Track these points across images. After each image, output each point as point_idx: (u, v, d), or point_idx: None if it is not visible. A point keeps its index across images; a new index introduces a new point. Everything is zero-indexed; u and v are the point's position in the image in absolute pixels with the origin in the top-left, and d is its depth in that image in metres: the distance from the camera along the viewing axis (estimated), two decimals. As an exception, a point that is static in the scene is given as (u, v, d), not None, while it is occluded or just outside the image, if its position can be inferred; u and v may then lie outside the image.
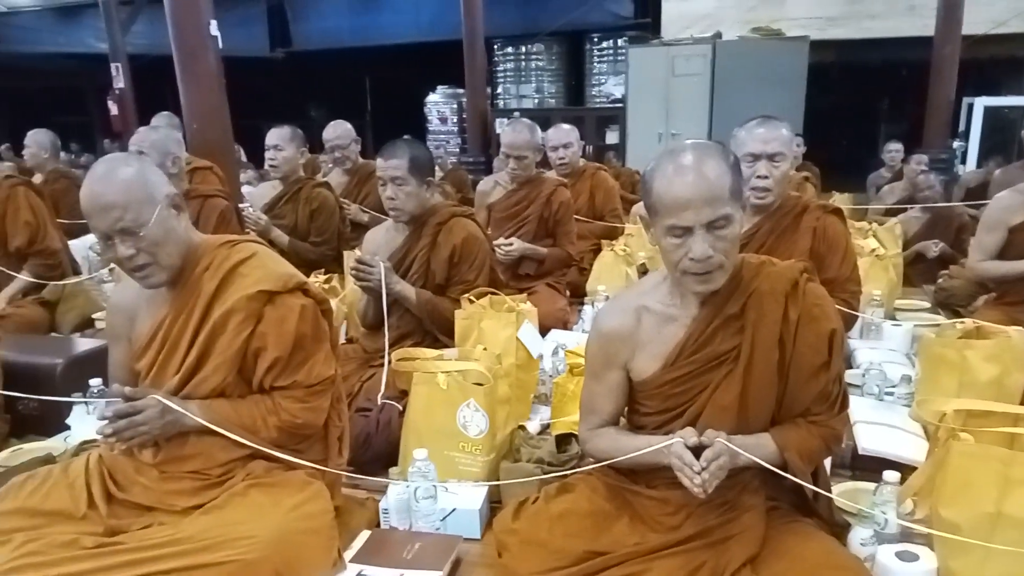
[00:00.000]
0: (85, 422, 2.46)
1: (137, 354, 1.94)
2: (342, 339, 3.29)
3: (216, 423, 1.84)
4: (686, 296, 1.75)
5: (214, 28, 4.83)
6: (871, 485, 1.99)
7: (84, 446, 2.35)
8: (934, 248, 4.65)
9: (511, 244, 3.85)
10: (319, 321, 1.95)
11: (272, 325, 1.85)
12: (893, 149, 7.05)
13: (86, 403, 2.54)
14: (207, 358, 1.87)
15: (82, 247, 4.49)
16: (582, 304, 3.77)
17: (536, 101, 10.93)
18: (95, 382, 2.53)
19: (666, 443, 1.67)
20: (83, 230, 3.52)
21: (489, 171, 7.72)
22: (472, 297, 2.75)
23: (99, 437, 1.88)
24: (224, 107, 4.93)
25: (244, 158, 8.85)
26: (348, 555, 1.94)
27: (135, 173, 1.79)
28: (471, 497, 2.10)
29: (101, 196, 1.74)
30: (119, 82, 9.49)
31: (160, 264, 1.82)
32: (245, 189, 5.54)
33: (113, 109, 9.61)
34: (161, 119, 4.70)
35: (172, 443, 1.89)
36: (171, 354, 1.89)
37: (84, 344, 3.04)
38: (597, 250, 4.19)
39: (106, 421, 1.79)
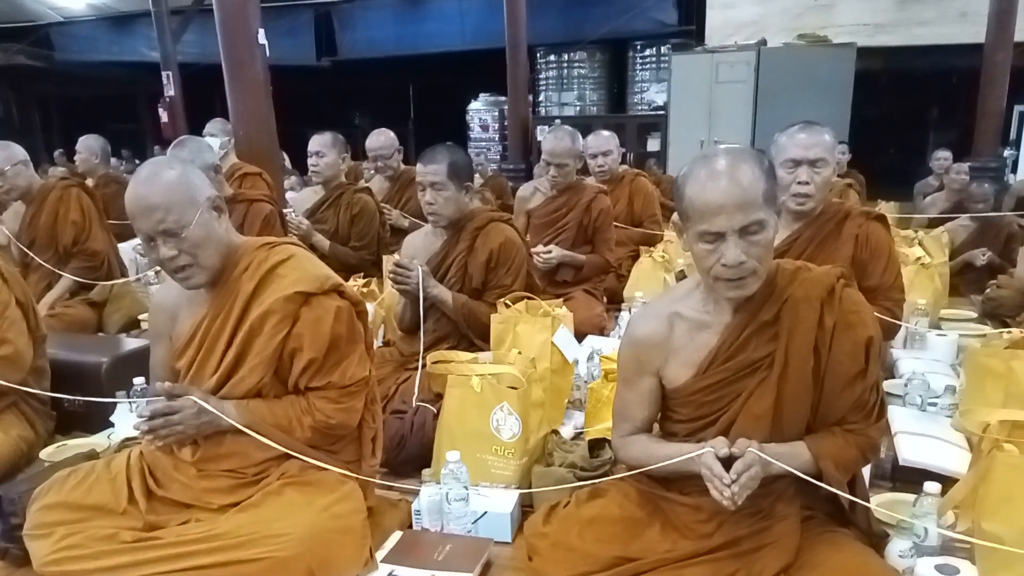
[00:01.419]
0: (128, 420, 2.51)
1: (177, 353, 1.99)
2: (379, 342, 3.32)
3: (251, 423, 1.87)
4: (719, 303, 1.74)
5: (262, 37, 4.93)
6: (911, 496, 1.95)
7: (127, 443, 2.41)
8: (982, 257, 4.55)
9: (550, 252, 3.85)
10: (354, 323, 1.97)
11: (308, 326, 1.88)
12: (942, 157, 6.92)
13: (130, 401, 2.60)
14: (244, 358, 1.90)
15: (129, 249, 4.60)
16: (619, 310, 3.76)
17: (578, 108, 10.94)
18: (138, 381, 2.59)
19: (697, 452, 1.66)
20: (132, 233, 3.59)
21: (529, 178, 7.73)
22: (508, 301, 2.76)
23: (136, 433, 1.92)
24: (271, 115, 5.01)
25: (288, 164, 9.00)
26: (380, 555, 1.96)
27: (178, 176, 1.83)
28: (503, 500, 2.11)
29: (145, 198, 1.79)
30: (169, 90, 9.71)
31: (201, 265, 1.85)
32: (288, 195, 5.63)
33: (164, 116, 9.83)
34: (213, 126, 4.80)
35: (210, 442, 1.92)
36: (209, 354, 1.93)
37: (129, 344, 3.12)
38: (635, 256, 4.17)
39: (144, 418, 1.84)
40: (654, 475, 1.82)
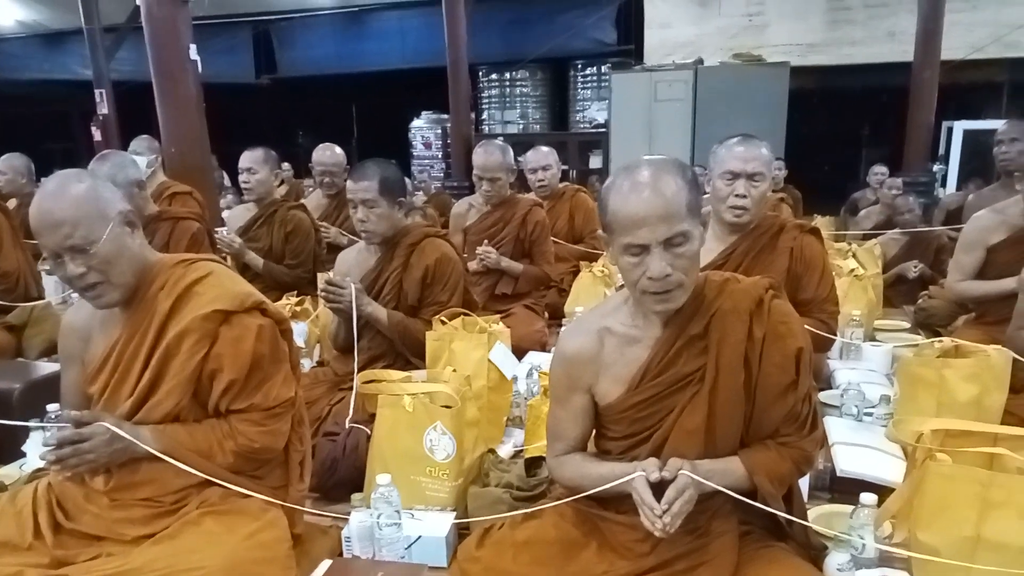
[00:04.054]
0: (41, 449, 2.37)
1: (90, 377, 1.88)
2: (313, 362, 3.23)
3: (169, 449, 1.77)
4: (648, 317, 1.70)
5: (193, 52, 4.83)
6: (849, 508, 1.94)
7: (37, 474, 2.26)
8: (914, 269, 4.64)
9: (491, 252, 3.82)
10: (278, 341, 1.88)
11: (228, 346, 1.79)
12: (879, 172, 7.09)
13: (42, 428, 2.46)
14: (161, 381, 1.80)
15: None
16: (560, 326, 3.73)
17: (521, 127, 10.97)
18: (53, 407, 2.44)
19: (628, 477, 1.61)
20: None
21: (473, 195, 7.70)
22: (444, 318, 2.70)
23: (44, 463, 1.81)
24: (203, 131, 4.91)
25: (228, 183, 8.82)
26: (307, 586, 1.86)
27: (87, 189, 1.73)
28: (437, 524, 2.04)
29: (50, 212, 1.68)
30: (103, 108, 9.49)
31: (112, 283, 1.75)
32: (226, 213, 5.49)
33: (97, 135, 9.58)
34: (139, 143, 4.65)
35: (124, 469, 1.81)
36: (124, 377, 1.82)
37: (44, 368, 2.97)
38: (576, 271, 4.16)
39: (51, 447, 1.72)
40: (589, 494, 1.77)
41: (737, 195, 2.60)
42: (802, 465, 1.73)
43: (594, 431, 1.85)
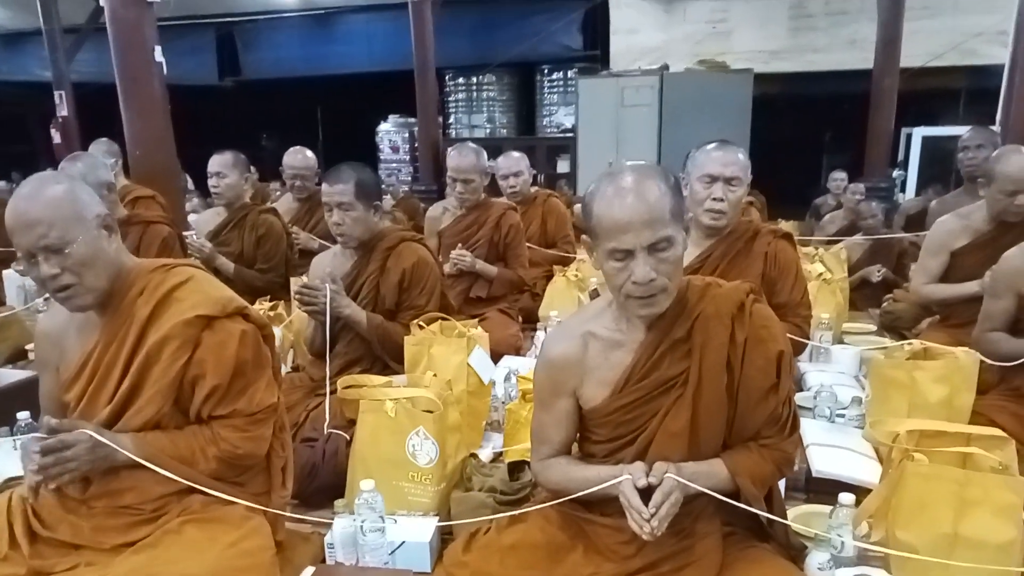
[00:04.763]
0: (11, 458, 2.33)
1: (66, 384, 1.84)
2: (288, 368, 3.20)
3: (150, 456, 1.74)
4: (632, 321, 1.72)
5: (159, 54, 4.76)
6: (827, 508, 1.97)
7: (9, 483, 2.22)
8: (877, 273, 4.73)
9: (465, 255, 3.82)
10: (260, 347, 1.87)
11: (210, 351, 1.77)
12: (838, 178, 7.22)
13: (13, 438, 2.41)
14: (141, 388, 1.77)
15: (18, 277, 4.32)
16: (535, 330, 3.74)
17: (488, 131, 10.98)
18: (22, 415, 2.41)
19: (615, 481, 1.63)
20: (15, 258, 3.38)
21: (441, 199, 7.68)
22: (422, 323, 2.70)
23: (24, 475, 1.77)
24: (169, 134, 4.84)
25: (191, 186, 8.70)
26: (291, 593, 1.85)
27: (64, 191, 1.71)
28: (421, 529, 2.03)
29: (25, 213, 1.65)
30: (63, 110, 9.31)
31: (86, 285, 1.72)
32: (191, 217, 5.42)
33: (56, 137, 9.39)
34: (97, 146, 4.57)
35: (102, 477, 1.78)
36: (102, 384, 1.79)
37: (11, 376, 2.91)
38: (549, 276, 4.17)
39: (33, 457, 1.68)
40: (574, 497, 1.78)
41: (715, 198, 2.63)
42: (783, 466, 1.76)
43: (578, 435, 1.86)
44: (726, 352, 1.66)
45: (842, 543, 1.82)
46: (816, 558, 1.82)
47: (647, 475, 1.59)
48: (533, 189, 4.84)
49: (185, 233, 3.87)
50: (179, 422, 1.83)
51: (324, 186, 2.75)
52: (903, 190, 8.65)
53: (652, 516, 1.54)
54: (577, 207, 6.13)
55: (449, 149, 4.05)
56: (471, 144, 4.08)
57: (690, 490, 1.61)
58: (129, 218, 3.40)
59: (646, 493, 1.58)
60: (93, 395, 1.80)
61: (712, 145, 2.69)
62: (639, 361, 1.70)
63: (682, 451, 1.67)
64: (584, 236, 1.74)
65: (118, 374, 1.78)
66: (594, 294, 3.92)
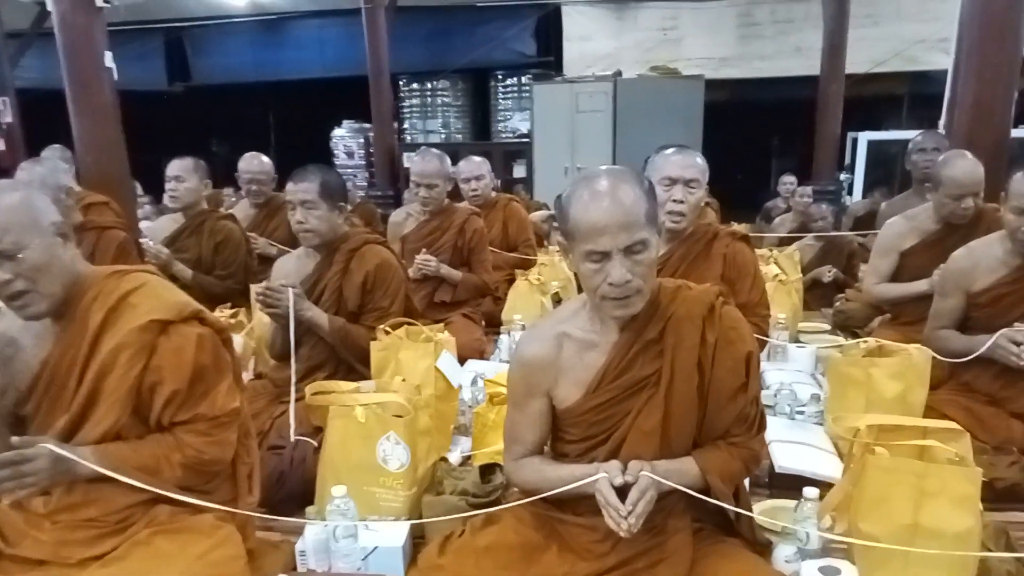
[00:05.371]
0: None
1: (21, 397, 1.80)
2: (250, 375, 3.16)
3: (115, 468, 1.71)
4: (606, 322, 1.75)
5: (109, 60, 4.66)
6: (791, 503, 2.02)
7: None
8: (828, 274, 4.85)
9: (430, 260, 3.82)
10: (219, 351, 1.85)
11: (167, 357, 1.74)
12: (788, 182, 7.38)
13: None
14: (98, 398, 1.74)
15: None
16: (498, 334, 3.75)
17: (443, 136, 10.96)
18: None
19: (591, 479, 1.65)
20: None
21: (398, 204, 7.65)
22: (388, 328, 2.69)
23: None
24: (120, 140, 4.74)
25: (140, 192, 8.52)
26: (263, 602, 1.83)
27: (20, 198, 1.70)
28: (393, 534, 2.03)
29: None
30: (6, 116, 9.03)
31: (40, 292, 1.70)
32: (143, 224, 5.32)
33: (0, 144, 9.13)
34: (51, 152, 4.46)
35: (65, 491, 1.75)
36: (58, 396, 1.76)
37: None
38: (511, 280, 4.18)
39: None
40: (547, 497, 1.80)
41: (675, 200, 2.68)
42: (750, 464, 1.81)
43: (551, 436, 1.88)
44: (697, 353, 1.70)
45: (808, 536, 1.87)
46: (783, 551, 1.87)
47: (623, 473, 1.62)
48: (493, 194, 4.85)
49: (141, 239, 3.80)
50: (140, 432, 1.80)
51: (289, 185, 2.74)
52: (850, 193, 8.85)
53: (629, 514, 1.57)
54: (538, 214, 6.17)
55: (411, 154, 4.05)
56: (434, 150, 4.09)
57: (664, 488, 1.64)
58: (83, 224, 3.34)
59: (621, 491, 1.61)
60: (50, 407, 1.77)
61: (671, 149, 2.75)
62: (612, 361, 1.73)
63: (654, 450, 1.70)
64: (558, 237, 1.76)
65: (74, 384, 1.75)
66: (556, 297, 3.96)
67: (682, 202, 2.67)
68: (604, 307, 1.67)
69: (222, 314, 3.24)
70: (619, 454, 1.72)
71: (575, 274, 4.44)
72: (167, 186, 3.86)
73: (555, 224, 5.80)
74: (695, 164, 2.70)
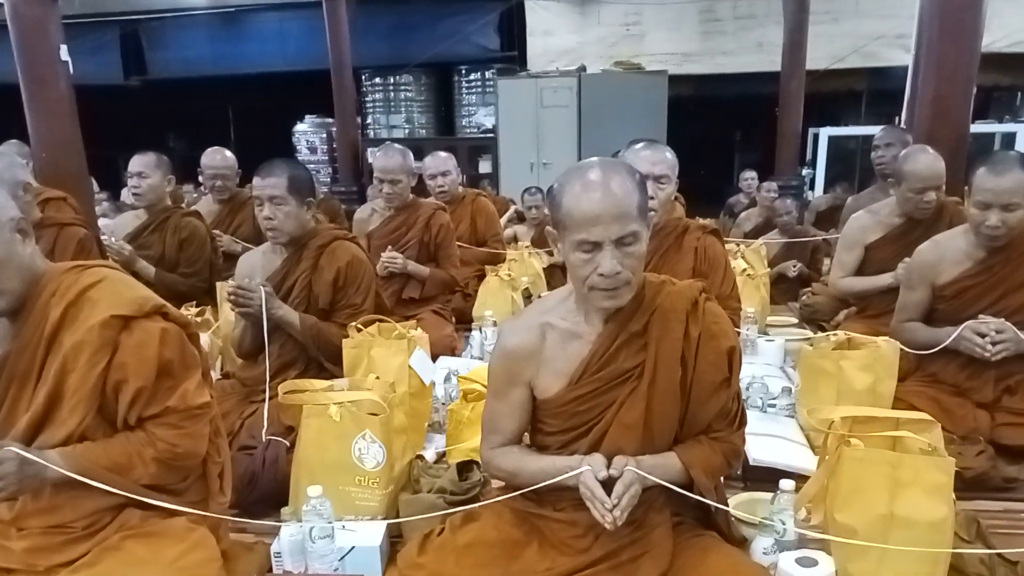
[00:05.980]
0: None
1: None
2: (218, 375, 3.10)
3: (85, 470, 1.65)
4: (591, 313, 1.74)
5: (64, 53, 4.54)
6: (766, 495, 2.04)
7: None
8: (793, 268, 4.92)
9: (396, 258, 3.78)
10: (185, 346, 1.78)
11: (130, 354, 1.68)
12: (749, 177, 7.46)
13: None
14: (60, 399, 1.67)
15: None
16: (469, 330, 3.73)
17: (407, 131, 10.88)
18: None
19: (576, 472, 1.65)
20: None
21: (362, 200, 7.58)
22: (360, 325, 2.66)
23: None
24: (77, 136, 4.62)
25: (97, 188, 8.33)
26: (239, 605, 1.80)
27: None
28: (370, 533, 2.01)
29: None
30: (-44, 113, 8.79)
31: None
32: (102, 221, 5.20)
33: (-51, 140, 8.86)
34: (9, 147, 4.33)
35: (28, 496, 1.69)
36: (18, 397, 1.70)
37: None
38: (481, 276, 4.17)
39: None
40: (527, 492, 1.79)
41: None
42: (731, 458, 1.82)
43: (530, 427, 1.87)
44: (681, 347, 1.70)
45: (784, 528, 1.88)
46: (761, 543, 1.89)
47: (607, 467, 1.62)
48: (460, 189, 4.83)
49: (102, 236, 3.72)
50: (106, 433, 1.74)
51: (256, 179, 2.68)
52: (812, 188, 8.98)
53: (614, 507, 1.57)
54: (506, 216, 6.15)
55: (374, 150, 4.00)
56: (397, 145, 4.05)
57: (648, 482, 1.64)
58: (42, 220, 3.24)
59: (605, 485, 1.61)
60: (11, 407, 1.70)
61: (640, 144, 2.76)
62: (596, 353, 1.73)
63: (636, 443, 1.70)
64: (548, 228, 1.75)
65: (33, 383, 1.68)
66: (526, 293, 3.95)
67: (652, 198, 2.67)
68: (592, 298, 1.67)
69: (188, 312, 3.17)
70: (600, 447, 1.71)
71: (544, 269, 4.51)
72: (129, 182, 3.78)
73: (527, 219, 5.80)
74: (665, 159, 2.70)
